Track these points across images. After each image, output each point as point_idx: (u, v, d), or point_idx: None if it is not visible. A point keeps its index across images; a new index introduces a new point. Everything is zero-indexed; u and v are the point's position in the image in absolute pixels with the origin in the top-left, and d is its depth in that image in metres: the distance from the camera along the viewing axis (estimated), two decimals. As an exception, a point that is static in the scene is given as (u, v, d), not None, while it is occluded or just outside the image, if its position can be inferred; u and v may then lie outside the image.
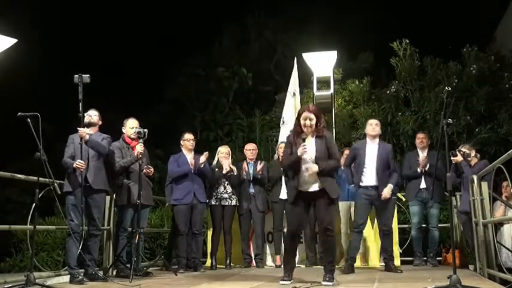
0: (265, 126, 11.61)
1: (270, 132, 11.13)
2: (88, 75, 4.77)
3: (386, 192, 5.51)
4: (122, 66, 14.34)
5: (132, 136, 5.45)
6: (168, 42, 15.07)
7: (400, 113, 9.37)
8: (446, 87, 5.02)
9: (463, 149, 6.02)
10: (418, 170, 6.43)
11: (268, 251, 6.93)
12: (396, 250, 6.21)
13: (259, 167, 6.66)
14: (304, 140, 4.37)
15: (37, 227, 4.62)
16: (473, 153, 6.01)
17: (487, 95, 8.76)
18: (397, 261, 6.25)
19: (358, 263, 6.66)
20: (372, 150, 5.63)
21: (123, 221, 5.45)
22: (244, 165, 6.71)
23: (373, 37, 12.70)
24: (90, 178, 4.87)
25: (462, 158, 5.88)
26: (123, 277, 5.03)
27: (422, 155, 6.58)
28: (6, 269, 8.70)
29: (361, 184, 5.62)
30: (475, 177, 5.20)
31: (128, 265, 5.25)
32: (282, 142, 7.12)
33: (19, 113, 4.31)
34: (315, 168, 4.34)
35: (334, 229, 4.48)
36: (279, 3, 15.03)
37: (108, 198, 5.91)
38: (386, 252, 5.73)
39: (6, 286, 4.22)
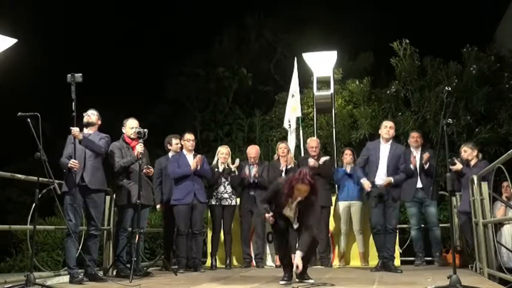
0: (265, 126, 11.61)
1: (270, 132, 11.13)
2: (80, 74, 4.71)
3: (385, 180, 5.55)
4: (122, 66, 14.34)
5: (132, 136, 5.44)
6: (168, 42, 15.08)
7: (400, 113, 9.37)
8: (446, 87, 5.00)
9: (465, 148, 6.01)
10: (411, 166, 6.40)
11: (268, 251, 6.93)
12: (396, 250, 6.20)
13: (254, 171, 6.63)
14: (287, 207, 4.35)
15: (37, 227, 4.62)
16: (475, 152, 6.01)
17: (487, 95, 8.76)
18: (397, 261, 6.25)
19: (358, 263, 6.68)
20: (384, 151, 5.73)
21: (123, 221, 5.45)
22: (246, 170, 6.66)
23: (373, 37, 12.70)
24: (86, 178, 4.86)
25: (461, 166, 5.88)
26: (123, 277, 5.03)
27: (416, 153, 6.59)
28: (6, 269, 8.70)
29: (373, 184, 5.68)
30: (475, 177, 5.19)
31: (128, 265, 5.25)
32: (282, 142, 7.11)
33: (19, 113, 4.31)
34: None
35: (315, 236, 4.49)
36: (279, 3, 15.06)
37: (108, 198, 5.92)
38: (387, 251, 5.72)
39: (6, 286, 4.22)
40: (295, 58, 8.19)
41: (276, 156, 6.93)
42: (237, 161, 6.60)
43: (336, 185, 7.27)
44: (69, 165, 4.75)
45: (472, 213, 5.48)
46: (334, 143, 8.48)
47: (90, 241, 4.97)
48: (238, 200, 6.67)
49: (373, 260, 6.68)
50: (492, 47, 9.82)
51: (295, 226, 4.48)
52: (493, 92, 8.87)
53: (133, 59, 14.59)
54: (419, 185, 6.48)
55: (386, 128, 5.80)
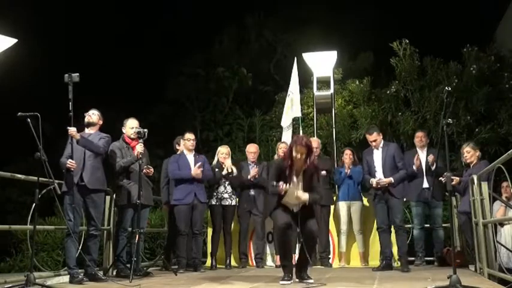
0: (265, 126, 11.62)
1: (270, 132, 11.14)
2: (77, 74, 4.69)
3: (385, 179, 5.68)
4: (122, 66, 14.35)
5: (132, 136, 5.44)
6: (168, 42, 15.08)
7: (400, 113, 9.38)
8: (446, 87, 5.01)
9: (467, 149, 6.00)
10: (414, 168, 6.40)
11: (268, 251, 6.94)
12: (395, 250, 6.20)
13: (253, 171, 6.63)
14: (291, 176, 4.41)
15: (37, 227, 4.62)
16: (477, 153, 6.00)
17: (487, 95, 8.76)
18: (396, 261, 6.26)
19: (358, 263, 6.68)
20: (377, 156, 5.91)
21: (123, 221, 5.44)
22: (253, 172, 6.65)
23: (373, 37, 12.71)
24: (86, 178, 4.85)
25: (458, 179, 5.90)
26: (123, 277, 5.02)
27: (422, 153, 6.58)
28: (6, 269, 8.70)
29: (374, 187, 5.81)
30: (475, 177, 5.19)
31: (128, 265, 5.25)
32: (282, 142, 7.14)
33: (19, 113, 4.31)
34: (305, 197, 4.36)
35: (317, 235, 4.56)
36: (279, 3, 15.07)
37: (108, 198, 5.92)
38: (399, 250, 5.80)
39: (6, 286, 4.22)
40: (295, 58, 8.18)
41: (276, 156, 6.93)
42: (227, 162, 6.53)
43: (336, 185, 7.27)
44: (66, 165, 4.75)
45: (472, 213, 5.48)
46: (334, 143, 8.49)
47: (90, 241, 4.97)
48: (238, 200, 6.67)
49: (373, 260, 6.69)
50: (492, 47, 9.82)
51: (296, 210, 4.48)
52: (493, 92, 8.87)
53: (133, 59, 14.59)
54: (425, 185, 6.47)
55: (371, 142, 5.95)
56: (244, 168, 6.68)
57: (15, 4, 12.66)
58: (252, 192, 6.62)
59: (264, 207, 6.60)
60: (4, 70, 6.77)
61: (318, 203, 4.65)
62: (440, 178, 5.72)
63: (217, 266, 6.49)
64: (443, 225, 6.62)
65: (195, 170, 5.95)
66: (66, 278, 4.98)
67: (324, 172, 6.64)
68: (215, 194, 6.42)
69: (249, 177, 6.59)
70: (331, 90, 8.47)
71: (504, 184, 6.42)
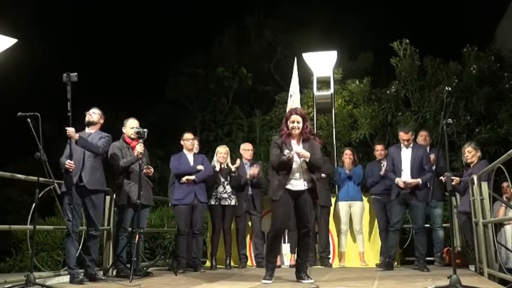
0: (265, 126, 11.61)
1: (270, 132, 11.12)
2: (75, 73, 4.66)
3: (413, 180, 5.68)
4: (122, 66, 14.34)
5: (132, 136, 5.44)
6: (168, 42, 15.07)
7: (400, 113, 9.37)
8: (446, 87, 5.02)
9: (469, 149, 6.00)
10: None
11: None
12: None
13: (254, 170, 6.63)
14: (291, 144, 4.52)
15: (37, 227, 4.62)
16: (478, 153, 5.99)
17: (487, 95, 8.76)
18: (397, 261, 6.26)
19: (358, 263, 6.68)
20: (406, 155, 5.88)
21: (123, 221, 5.44)
22: (251, 171, 6.65)
23: (373, 37, 12.69)
24: (85, 178, 4.83)
25: (458, 180, 5.89)
26: (123, 277, 5.02)
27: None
28: (6, 269, 8.69)
29: (401, 186, 5.77)
30: (475, 178, 5.19)
31: (128, 265, 5.25)
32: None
33: (19, 113, 4.30)
34: (307, 154, 4.45)
35: (310, 229, 4.61)
36: (279, 3, 15.04)
37: (108, 198, 5.92)
38: (418, 251, 5.81)
39: (6, 286, 4.22)
40: (295, 58, 8.18)
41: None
42: (238, 161, 6.60)
43: (336, 185, 7.28)
44: (65, 165, 4.74)
45: (472, 213, 5.48)
46: (334, 143, 8.49)
47: (89, 241, 4.96)
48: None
49: (373, 260, 6.69)
50: (492, 47, 9.81)
51: (299, 187, 4.52)
52: (493, 92, 8.86)
53: (133, 59, 14.59)
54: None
55: (404, 141, 5.90)
56: (240, 167, 6.68)
57: (15, 4, 12.66)
58: (250, 191, 6.63)
59: (260, 203, 6.62)
60: (4, 70, 6.77)
61: (320, 167, 4.67)
62: (441, 177, 5.72)
63: (217, 266, 6.49)
64: (444, 225, 6.62)
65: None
66: (66, 278, 4.98)
67: (323, 175, 6.66)
68: (214, 194, 6.41)
69: (247, 176, 6.59)
70: (331, 90, 8.47)
71: (504, 185, 6.42)
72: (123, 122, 5.59)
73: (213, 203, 6.40)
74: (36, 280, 4.13)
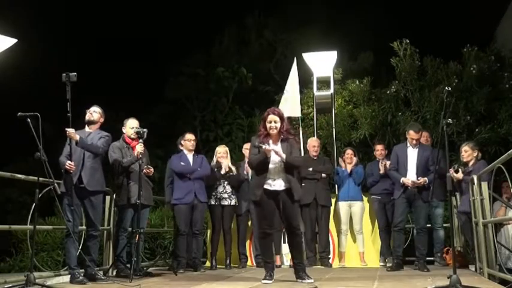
0: (265, 126, 11.59)
1: (270, 132, 11.10)
2: (75, 73, 4.64)
3: (421, 179, 5.66)
4: (122, 66, 14.34)
5: (132, 136, 5.44)
6: (168, 42, 15.07)
7: (400, 113, 9.37)
8: (446, 87, 5.01)
9: (466, 148, 6.00)
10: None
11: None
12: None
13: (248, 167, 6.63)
14: (269, 144, 4.54)
15: (37, 227, 4.62)
16: (475, 153, 5.99)
17: (487, 95, 8.75)
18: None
19: (358, 263, 6.68)
20: (412, 154, 5.85)
21: (123, 221, 5.44)
22: (246, 167, 6.68)
23: (373, 37, 12.69)
24: (84, 179, 4.80)
25: (462, 176, 5.88)
26: (123, 277, 5.03)
27: None
28: (6, 269, 8.69)
29: (409, 185, 5.75)
30: (475, 178, 5.20)
31: (128, 265, 5.25)
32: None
33: (19, 113, 4.30)
34: (283, 155, 4.47)
35: (299, 229, 4.65)
36: (279, 3, 15.03)
37: (108, 198, 5.91)
38: (418, 251, 5.81)
39: (6, 286, 4.22)
40: (295, 58, 8.18)
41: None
42: (225, 163, 6.51)
43: (336, 185, 7.28)
44: (65, 166, 4.72)
45: (472, 213, 5.48)
46: (334, 143, 8.48)
47: (89, 242, 4.96)
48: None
49: (373, 260, 6.69)
50: (492, 47, 9.81)
51: (279, 187, 4.53)
52: (493, 92, 8.85)
53: (134, 59, 14.59)
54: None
55: (413, 141, 5.85)
56: (241, 167, 6.69)
57: (15, 4, 12.66)
58: (250, 191, 6.62)
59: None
60: (4, 70, 6.77)
61: (298, 166, 4.67)
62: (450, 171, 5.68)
63: (217, 266, 6.49)
64: (444, 225, 6.62)
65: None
66: (66, 278, 4.98)
67: (323, 175, 6.66)
68: (214, 194, 6.41)
69: (245, 172, 6.59)
70: (331, 90, 8.47)
71: (504, 184, 6.41)
72: (123, 122, 5.59)
73: (213, 203, 6.40)
74: (36, 280, 4.13)
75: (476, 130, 8.58)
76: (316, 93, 8.49)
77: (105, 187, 5.17)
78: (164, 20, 15.73)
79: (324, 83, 8.66)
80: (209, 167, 6.28)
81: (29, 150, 4.63)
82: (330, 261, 6.69)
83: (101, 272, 5.16)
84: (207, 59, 14.24)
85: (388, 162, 6.30)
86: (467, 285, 3.82)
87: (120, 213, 5.54)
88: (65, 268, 5.22)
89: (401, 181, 5.78)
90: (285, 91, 8.06)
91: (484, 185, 5.14)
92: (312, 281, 4.40)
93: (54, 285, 4.73)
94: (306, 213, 6.56)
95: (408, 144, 5.89)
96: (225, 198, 6.43)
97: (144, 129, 5.27)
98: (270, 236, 4.67)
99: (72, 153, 4.78)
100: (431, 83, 9.34)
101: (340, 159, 7.17)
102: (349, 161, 6.82)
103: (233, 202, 6.49)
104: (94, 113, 5.06)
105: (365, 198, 6.84)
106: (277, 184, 4.53)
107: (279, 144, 4.58)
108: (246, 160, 6.78)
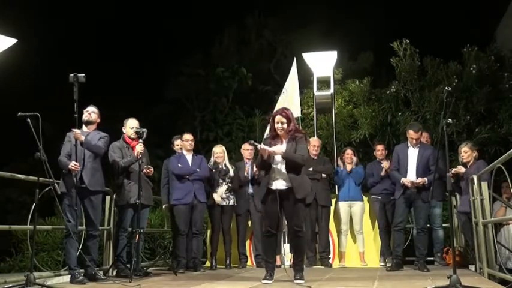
0: (265, 126, 11.59)
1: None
2: (83, 74, 4.68)
3: (420, 180, 5.65)
4: (122, 65, 14.34)
5: (132, 136, 5.44)
6: (168, 42, 15.07)
7: (400, 113, 9.37)
8: (446, 87, 5.02)
9: (465, 149, 6.00)
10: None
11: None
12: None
13: (248, 169, 6.63)
14: (275, 144, 4.56)
15: (37, 227, 4.62)
16: (475, 153, 6.00)
17: (487, 95, 8.75)
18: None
19: (358, 263, 6.68)
20: (413, 154, 5.83)
21: (123, 221, 5.44)
22: (247, 168, 6.67)
23: (373, 37, 12.70)
24: (86, 179, 4.82)
25: (463, 170, 5.88)
26: (123, 277, 5.02)
27: None
28: (6, 269, 8.69)
29: (409, 186, 5.75)
30: (475, 177, 5.20)
31: (128, 265, 5.25)
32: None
33: (19, 113, 4.30)
34: (278, 150, 4.50)
35: (302, 229, 4.62)
36: (279, 3, 15.03)
37: (108, 198, 5.91)
38: (418, 251, 5.81)
39: (6, 286, 4.22)
40: (295, 58, 8.18)
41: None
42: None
43: (336, 185, 7.27)
44: (69, 166, 4.72)
45: (472, 213, 5.48)
46: (334, 143, 8.48)
47: (89, 241, 4.96)
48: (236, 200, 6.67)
49: (373, 260, 6.69)
50: (492, 47, 9.80)
51: (281, 186, 4.54)
52: (493, 92, 8.85)
53: (134, 59, 14.58)
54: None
55: (413, 140, 5.83)
56: (240, 168, 6.68)
57: (15, 4, 12.66)
58: (250, 190, 6.63)
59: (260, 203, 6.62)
60: (4, 70, 6.77)
61: (298, 163, 4.57)
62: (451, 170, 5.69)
63: (217, 266, 6.49)
64: (444, 225, 6.62)
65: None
66: (66, 278, 4.98)
67: (324, 175, 6.66)
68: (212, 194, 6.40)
69: (245, 173, 6.59)
70: (331, 90, 8.47)
71: (504, 184, 6.41)
72: (123, 122, 5.58)
73: (211, 203, 6.39)
74: (36, 280, 4.13)
75: (476, 130, 8.58)
76: (316, 93, 8.49)
77: (104, 187, 5.18)
78: (164, 20, 15.74)
79: (324, 83, 8.66)
80: (208, 168, 6.27)
81: (29, 150, 4.63)
82: (330, 261, 6.69)
83: (101, 272, 5.16)
84: (207, 59, 14.25)
85: (389, 164, 6.31)
86: (467, 285, 3.82)
87: (120, 213, 5.53)
88: (65, 268, 5.22)
89: (401, 181, 5.78)
90: (283, 90, 8.06)
91: (484, 185, 5.14)
92: (302, 282, 4.41)
93: (54, 285, 4.73)
94: (306, 213, 6.55)
95: (409, 144, 5.88)
96: (224, 199, 6.43)
97: (144, 129, 5.26)
98: (273, 236, 4.65)
99: (73, 153, 4.78)
100: (431, 83, 9.34)
101: (338, 159, 7.17)
102: (348, 161, 6.82)
103: (231, 202, 6.49)
104: (92, 113, 5.06)
105: (365, 198, 6.84)
106: (279, 184, 4.54)
107: (285, 143, 4.59)
108: (246, 160, 6.80)
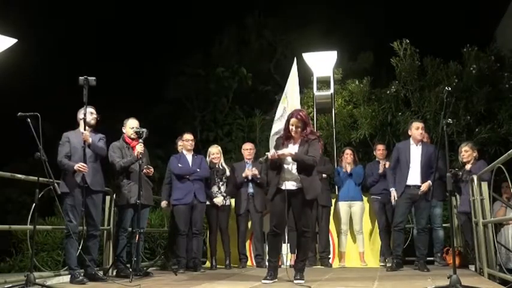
0: (265, 126, 11.60)
1: (270, 132, 11.10)
2: (94, 77, 4.73)
3: (425, 186, 5.62)
4: (122, 65, 14.33)
5: (132, 136, 5.44)
6: (168, 42, 15.07)
7: (400, 113, 9.37)
8: (446, 87, 5.01)
9: (466, 149, 6.00)
10: None
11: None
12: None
13: (248, 172, 6.62)
14: (288, 144, 4.57)
15: (37, 227, 4.62)
16: (475, 153, 6.00)
17: (487, 95, 8.75)
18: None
19: (358, 263, 6.68)
20: (416, 152, 5.79)
21: (123, 221, 5.44)
22: (248, 173, 6.66)
23: (373, 37, 12.70)
24: (88, 179, 4.84)
25: (470, 166, 5.89)
26: (123, 277, 5.03)
27: None
28: (6, 269, 8.69)
29: (405, 183, 5.73)
30: (475, 178, 5.20)
31: (128, 265, 5.25)
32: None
33: (19, 113, 4.31)
34: (287, 152, 4.49)
35: (309, 230, 4.62)
36: (279, 3, 15.03)
37: (108, 198, 5.91)
38: (418, 251, 5.81)
39: (6, 286, 4.22)
40: (295, 58, 8.17)
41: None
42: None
43: (336, 185, 7.27)
44: (75, 167, 4.73)
45: (472, 213, 5.48)
46: (334, 143, 8.49)
47: (89, 241, 4.97)
48: (232, 200, 6.67)
49: (373, 260, 6.69)
50: (492, 47, 9.81)
51: (292, 186, 4.55)
52: (493, 92, 8.85)
53: (134, 59, 14.58)
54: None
55: (419, 130, 5.81)
56: (238, 168, 6.68)
57: (15, 4, 12.66)
58: (250, 190, 6.62)
59: (260, 203, 6.62)
60: (4, 70, 6.77)
61: (308, 165, 4.54)
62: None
63: (217, 266, 6.49)
64: (444, 225, 6.62)
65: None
66: (66, 278, 4.98)
67: (324, 175, 6.66)
68: (208, 194, 6.39)
69: (243, 175, 6.59)
70: (331, 90, 8.47)
71: (504, 184, 6.41)
72: (123, 122, 5.59)
73: (208, 203, 6.39)
74: (36, 280, 4.13)
75: (476, 130, 8.58)
76: (316, 93, 8.49)
77: (104, 187, 5.18)
78: (164, 20, 15.74)
79: (324, 83, 8.67)
80: (208, 168, 6.28)
81: (29, 150, 4.63)
82: (330, 261, 6.69)
83: (101, 272, 5.16)
84: (207, 59, 14.25)
85: (388, 163, 6.30)
86: (467, 285, 3.82)
87: (120, 213, 5.53)
88: (65, 268, 5.22)
89: (390, 190, 5.87)
90: (284, 96, 8.05)
91: (484, 185, 5.14)
92: (302, 282, 4.41)
93: (54, 285, 4.73)
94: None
95: (412, 142, 5.85)
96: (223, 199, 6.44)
97: (144, 129, 5.27)
98: (278, 236, 4.65)
99: (76, 154, 4.79)
100: (431, 83, 9.34)
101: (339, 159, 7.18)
102: (348, 160, 6.82)
103: (227, 202, 6.51)
104: (92, 114, 5.06)
105: (365, 198, 6.84)
106: (289, 184, 4.53)
107: (297, 145, 4.58)
108: (245, 161, 6.80)
